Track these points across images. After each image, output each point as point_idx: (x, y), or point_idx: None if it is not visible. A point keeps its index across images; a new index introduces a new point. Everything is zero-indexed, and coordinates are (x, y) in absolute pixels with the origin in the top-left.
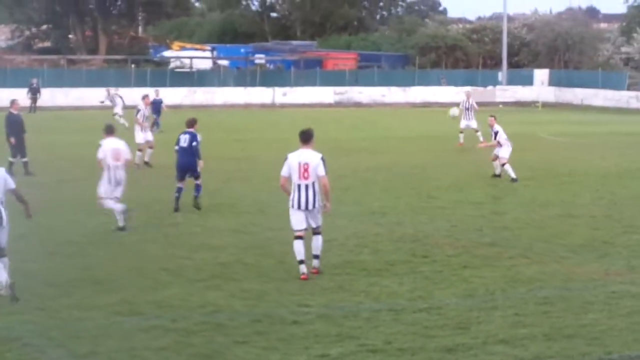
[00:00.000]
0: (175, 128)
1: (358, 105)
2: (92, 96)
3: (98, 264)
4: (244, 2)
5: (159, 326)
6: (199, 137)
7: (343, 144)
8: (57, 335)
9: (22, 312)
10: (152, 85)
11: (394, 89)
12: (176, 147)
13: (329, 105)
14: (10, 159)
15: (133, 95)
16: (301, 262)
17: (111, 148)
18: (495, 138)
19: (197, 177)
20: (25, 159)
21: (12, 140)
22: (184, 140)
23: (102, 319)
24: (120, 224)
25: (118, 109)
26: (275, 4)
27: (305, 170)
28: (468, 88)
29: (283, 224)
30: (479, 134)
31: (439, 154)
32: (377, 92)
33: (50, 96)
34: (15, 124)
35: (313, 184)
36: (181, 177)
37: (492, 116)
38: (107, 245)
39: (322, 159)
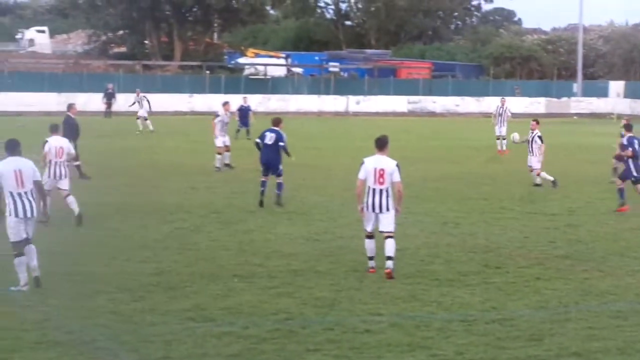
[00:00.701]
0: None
1: (431, 114)
2: (166, 102)
3: (171, 269)
4: (319, 10)
5: (230, 333)
6: (284, 137)
7: (415, 152)
8: (130, 340)
9: (95, 316)
10: (227, 92)
11: (467, 99)
12: (258, 141)
13: (403, 114)
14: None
15: (207, 101)
16: (371, 258)
17: (55, 145)
18: (532, 142)
19: (279, 175)
20: (77, 163)
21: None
22: (270, 138)
23: (175, 324)
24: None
25: (143, 112)
26: (350, 12)
27: (381, 175)
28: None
29: (355, 233)
30: (504, 141)
31: (511, 164)
32: (451, 102)
33: (125, 101)
34: (72, 128)
35: (387, 189)
36: (265, 173)
37: (535, 120)
38: (181, 250)
39: (397, 165)
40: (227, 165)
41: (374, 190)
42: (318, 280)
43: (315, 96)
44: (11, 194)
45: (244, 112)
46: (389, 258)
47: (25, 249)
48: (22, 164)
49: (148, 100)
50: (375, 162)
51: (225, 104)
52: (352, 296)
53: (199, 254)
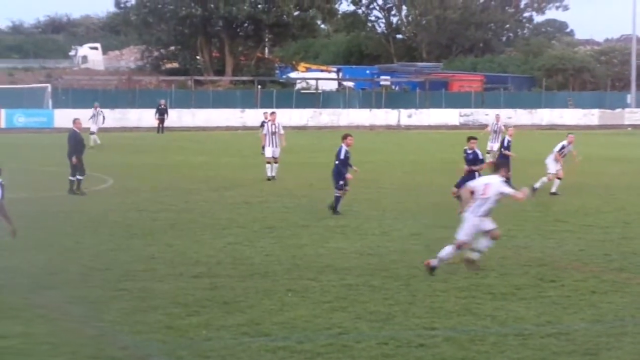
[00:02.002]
0: (301, 150)
1: (484, 127)
2: (219, 117)
3: (225, 284)
4: (369, 24)
5: (285, 347)
6: (342, 150)
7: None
8: (185, 355)
9: (151, 331)
10: (278, 106)
11: (520, 111)
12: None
13: (454, 127)
14: (70, 178)
15: (259, 116)
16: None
17: None
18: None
19: (336, 187)
20: (81, 177)
21: (75, 159)
22: (337, 153)
23: (230, 339)
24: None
25: (94, 127)
26: (401, 25)
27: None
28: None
29: (408, 247)
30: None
31: (566, 177)
32: (503, 114)
33: (178, 117)
34: (77, 142)
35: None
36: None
37: (570, 134)
38: (234, 265)
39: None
40: (270, 178)
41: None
42: (372, 294)
43: (366, 110)
44: None
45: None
46: (478, 251)
47: None
48: None
49: (104, 116)
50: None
51: (272, 114)
52: (406, 310)
53: (253, 269)
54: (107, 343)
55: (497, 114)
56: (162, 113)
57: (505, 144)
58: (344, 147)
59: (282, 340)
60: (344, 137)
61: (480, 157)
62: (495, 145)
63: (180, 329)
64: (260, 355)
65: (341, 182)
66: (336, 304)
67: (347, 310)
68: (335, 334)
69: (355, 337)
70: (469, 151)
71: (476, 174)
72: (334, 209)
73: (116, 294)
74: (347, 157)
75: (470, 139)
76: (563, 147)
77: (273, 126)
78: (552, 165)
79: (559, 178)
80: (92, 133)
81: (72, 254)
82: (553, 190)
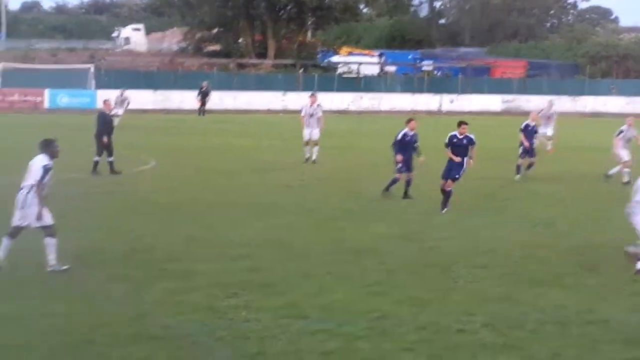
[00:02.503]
0: (342, 134)
1: (526, 114)
2: (260, 100)
3: (265, 266)
4: (412, 8)
5: (324, 330)
6: (400, 133)
7: (509, 152)
8: (225, 335)
9: (192, 312)
10: (320, 90)
11: (563, 98)
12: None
13: (496, 114)
14: (95, 159)
15: (300, 99)
16: None
17: None
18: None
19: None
20: (111, 159)
21: (105, 139)
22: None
23: (269, 320)
24: None
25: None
26: (444, 10)
27: None
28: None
29: (449, 234)
30: (550, 142)
31: (608, 164)
32: (546, 101)
33: (219, 99)
34: (106, 123)
35: None
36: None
37: (629, 117)
38: (274, 247)
39: None
40: (308, 159)
41: None
42: (411, 279)
43: (408, 95)
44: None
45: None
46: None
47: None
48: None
49: (129, 102)
50: None
51: (312, 95)
52: (446, 296)
53: (293, 251)
54: (148, 323)
55: (550, 100)
56: (204, 95)
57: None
58: (404, 131)
59: (321, 323)
60: (407, 122)
61: (475, 141)
62: (549, 131)
63: (220, 310)
64: (299, 338)
65: (399, 165)
66: (376, 288)
67: (387, 294)
68: (374, 318)
69: (395, 321)
70: (460, 136)
71: (465, 162)
72: (386, 187)
73: (158, 274)
74: (406, 141)
75: (461, 123)
76: (621, 132)
77: (311, 108)
78: (622, 153)
79: (627, 166)
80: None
81: (115, 234)
82: (625, 179)
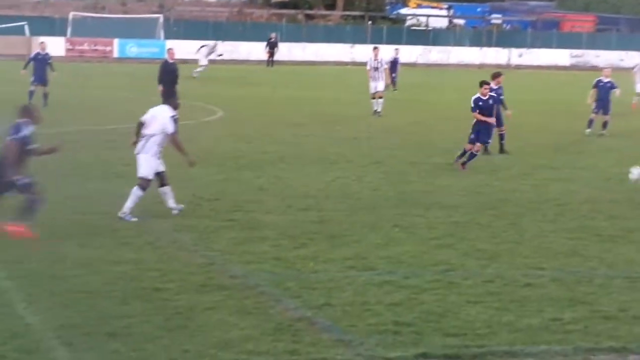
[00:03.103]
0: (409, 87)
1: (594, 68)
2: (328, 52)
3: (333, 218)
4: None
5: (391, 282)
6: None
7: (577, 107)
8: (292, 286)
9: (259, 262)
10: (388, 42)
11: (632, 53)
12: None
13: (565, 68)
14: None
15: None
16: None
17: None
18: None
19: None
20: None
21: (160, 88)
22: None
23: (336, 272)
24: None
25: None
26: None
27: None
28: None
29: (516, 186)
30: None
31: None
32: (615, 56)
33: (288, 50)
34: (170, 73)
35: None
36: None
37: None
38: (342, 199)
39: None
40: (375, 112)
41: None
42: (479, 232)
43: (476, 48)
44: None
45: (393, 64)
46: None
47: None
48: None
49: (220, 54)
50: None
51: (375, 48)
52: (513, 249)
53: (360, 203)
54: (216, 272)
55: None
56: (272, 46)
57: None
58: (476, 96)
59: (388, 274)
60: (495, 76)
61: (501, 97)
62: (638, 87)
63: (287, 261)
64: (366, 289)
65: (472, 136)
66: (443, 241)
67: (454, 247)
68: (441, 270)
69: (462, 274)
70: (484, 98)
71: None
72: (463, 162)
73: (225, 224)
74: (478, 105)
75: (483, 83)
76: None
77: (375, 61)
78: None
79: None
80: (203, 66)
81: (182, 183)
82: None
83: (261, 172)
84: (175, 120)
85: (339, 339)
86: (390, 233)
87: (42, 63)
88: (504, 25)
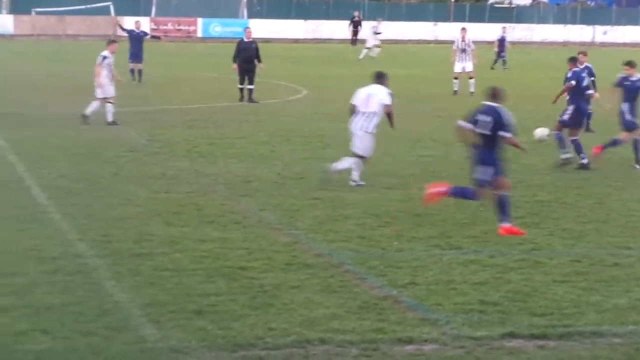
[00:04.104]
0: (482, 65)
1: None
2: (411, 30)
3: (417, 196)
4: None
5: (477, 261)
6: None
7: None
8: (377, 265)
9: (344, 240)
10: (471, 20)
11: None
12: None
13: None
14: (239, 86)
15: (451, 30)
16: None
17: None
18: None
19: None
20: (251, 87)
21: (235, 66)
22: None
23: (421, 250)
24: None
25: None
26: None
27: None
28: None
29: (602, 165)
30: None
31: None
32: None
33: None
34: (243, 51)
35: None
36: None
37: None
38: (427, 177)
39: None
40: (456, 92)
41: None
42: (564, 211)
43: (560, 26)
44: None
45: (501, 42)
46: None
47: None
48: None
49: (379, 32)
50: None
51: (463, 29)
52: (600, 229)
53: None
54: (300, 250)
55: None
56: (355, 25)
57: None
58: (572, 71)
59: (474, 253)
60: (581, 54)
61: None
62: None
63: (372, 239)
64: (452, 268)
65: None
66: (528, 220)
67: (540, 226)
68: (527, 249)
69: (548, 253)
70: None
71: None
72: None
73: (310, 202)
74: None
75: (628, 63)
76: None
77: (463, 42)
78: None
79: None
80: (369, 48)
81: (267, 162)
82: None
83: (345, 150)
84: (391, 95)
85: (424, 317)
86: (475, 212)
87: (137, 41)
88: (589, 2)
